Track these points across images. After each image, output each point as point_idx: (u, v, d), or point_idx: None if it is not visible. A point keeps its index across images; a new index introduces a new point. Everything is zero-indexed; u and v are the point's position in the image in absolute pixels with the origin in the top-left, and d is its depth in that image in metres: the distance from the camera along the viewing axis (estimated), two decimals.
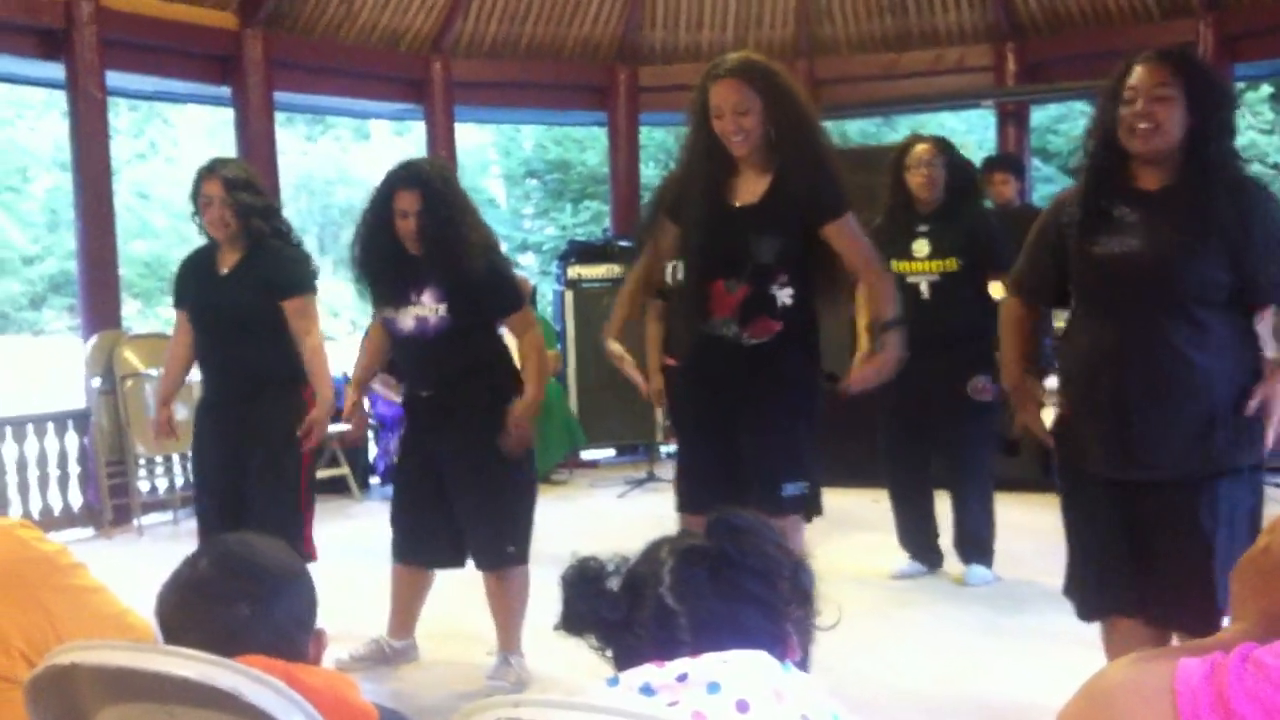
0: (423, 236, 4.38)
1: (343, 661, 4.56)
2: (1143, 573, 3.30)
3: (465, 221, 4.44)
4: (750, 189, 3.98)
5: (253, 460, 4.77)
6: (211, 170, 4.79)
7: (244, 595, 1.85)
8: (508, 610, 4.55)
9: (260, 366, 4.74)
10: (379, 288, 4.58)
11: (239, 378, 4.76)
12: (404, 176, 4.44)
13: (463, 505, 4.52)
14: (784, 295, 3.95)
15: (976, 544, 5.72)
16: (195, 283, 4.88)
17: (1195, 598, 3.16)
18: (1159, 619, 3.30)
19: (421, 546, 4.63)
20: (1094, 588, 3.39)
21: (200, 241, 4.96)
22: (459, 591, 4.90)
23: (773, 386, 3.96)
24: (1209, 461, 3.22)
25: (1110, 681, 1.02)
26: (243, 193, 4.74)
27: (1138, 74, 3.28)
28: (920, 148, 5.60)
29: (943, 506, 5.85)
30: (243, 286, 4.73)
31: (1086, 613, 3.45)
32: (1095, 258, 3.30)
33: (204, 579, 1.87)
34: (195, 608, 1.85)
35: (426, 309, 4.44)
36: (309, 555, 4.84)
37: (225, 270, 4.79)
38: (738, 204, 3.97)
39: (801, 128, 3.96)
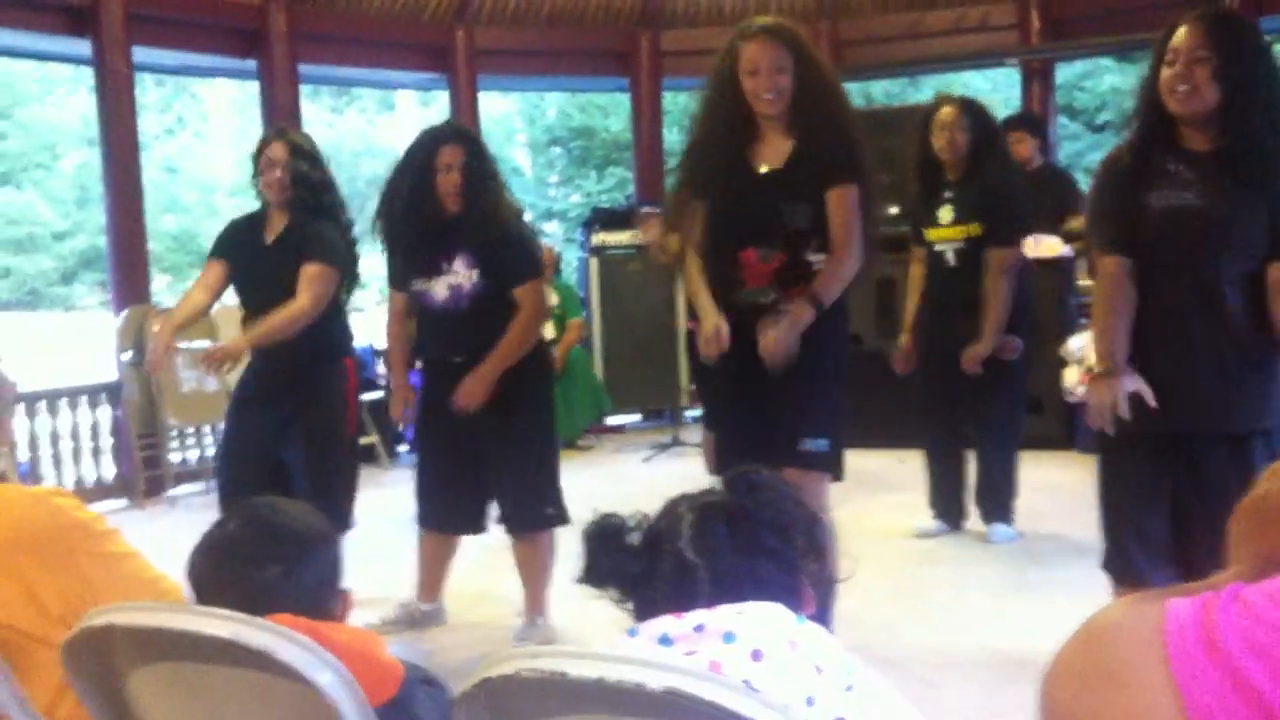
0: (466, 191, 4.41)
1: (374, 626, 4.63)
2: (1186, 533, 3.30)
3: (496, 188, 4.52)
4: (774, 153, 3.95)
5: (297, 430, 4.79)
6: (281, 134, 4.90)
7: (273, 557, 1.90)
8: (536, 574, 4.61)
9: (300, 336, 4.72)
10: (409, 258, 4.59)
11: (278, 346, 4.76)
12: (447, 132, 4.55)
13: (502, 471, 4.56)
14: (818, 260, 3.92)
15: (999, 502, 5.76)
16: (239, 246, 4.90)
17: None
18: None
19: (450, 515, 4.69)
20: (1136, 555, 3.37)
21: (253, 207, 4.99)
22: (485, 556, 4.96)
23: (807, 349, 3.89)
24: (1258, 415, 3.28)
25: (1103, 623, 1.03)
26: (303, 161, 4.80)
27: (1179, 35, 3.28)
28: (945, 110, 5.59)
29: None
30: (284, 255, 4.75)
31: (1128, 579, 3.40)
32: (1153, 210, 3.31)
33: (234, 541, 1.92)
34: (226, 569, 1.90)
35: (460, 276, 4.47)
36: (349, 522, 4.92)
37: (270, 239, 4.83)
38: (764, 169, 3.94)
39: (828, 91, 3.95)
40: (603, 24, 9.88)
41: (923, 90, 16.97)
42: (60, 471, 7.33)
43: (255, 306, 4.83)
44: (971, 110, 5.63)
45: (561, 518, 4.61)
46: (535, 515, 4.57)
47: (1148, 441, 3.34)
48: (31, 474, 7.04)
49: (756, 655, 1.51)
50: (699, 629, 1.55)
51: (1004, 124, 7.93)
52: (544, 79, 11.52)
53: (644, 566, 1.68)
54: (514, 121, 21.66)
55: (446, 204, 4.47)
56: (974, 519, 5.84)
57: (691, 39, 9.88)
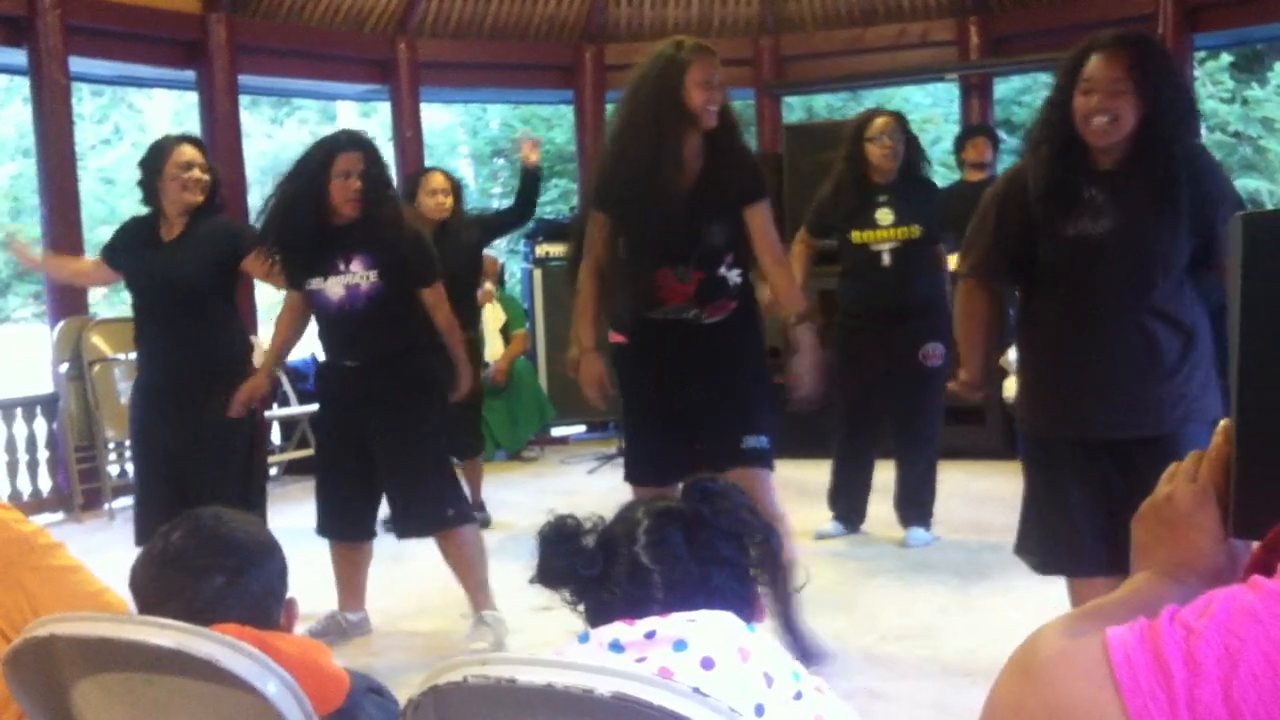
0: (365, 197, 4.41)
1: None
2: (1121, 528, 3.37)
3: (393, 193, 4.63)
4: (687, 172, 4.01)
5: (205, 442, 4.77)
6: (184, 137, 4.88)
7: (218, 567, 1.89)
8: (468, 570, 4.61)
9: (205, 348, 4.82)
10: (301, 258, 4.54)
11: (184, 360, 4.80)
12: (345, 140, 4.52)
13: (397, 478, 4.57)
14: (733, 275, 4.06)
15: (918, 506, 5.90)
16: (132, 248, 4.89)
17: None
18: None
19: (354, 522, 4.70)
20: (1065, 547, 3.47)
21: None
22: (427, 563, 4.95)
23: (728, 355, 4.06)
24: (1184, 414, 3.35)
25: (1040, 659, 1.01)
26: (211, 160, 4.86)
27: (1095, 64, 3.31)
28: (881, 119, 5.73)
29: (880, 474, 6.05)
30: (188, 254, 4.75)
31: (1049, 568, 3.56)
32: (1069, 238, 3.35)
33: (178, 551, 1.91)
34: (170, 580, 1.89)
35: (357, 276, 4.47)
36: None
37: (169, 238, 4.78)
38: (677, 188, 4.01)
39: (732, 113, 4.10)
40: (547, 37, 9.88)
41: (863, 104, 17.09)
42: None
43: (150, 306, 4.83)
44: (904, 122, 5.85)
45: (461, 518, 4.60)
46: (436, 517, 4.56)
47: (1076, 444, 3.42)
48: None
49: (707, 663, 1.52)
50: (650, 636, 1.56)
51: (966, 131, 8.23)
52: (487, 91, 11.51)
53: (599, 570, 1.68)
54: (457, 133, 21.60)
55: (342, 209, 4.44)
56: (880, 523, 5.96)
57: (636, 53, 9.72)
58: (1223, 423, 1.19)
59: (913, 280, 5.67)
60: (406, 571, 5.06)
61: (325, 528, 4.73)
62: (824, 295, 7.08)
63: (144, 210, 4.95)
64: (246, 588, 1.91)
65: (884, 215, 5.70)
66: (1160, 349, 3.34)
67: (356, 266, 4.47)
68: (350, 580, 4.78)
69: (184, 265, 4.70)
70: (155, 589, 1.90)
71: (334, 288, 4.49)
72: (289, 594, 2.01)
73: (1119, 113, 3.25)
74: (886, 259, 5.70)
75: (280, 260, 4.57)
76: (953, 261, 5.40)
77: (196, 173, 4.73)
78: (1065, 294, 3.41)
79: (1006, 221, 3.47)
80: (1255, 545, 1.15)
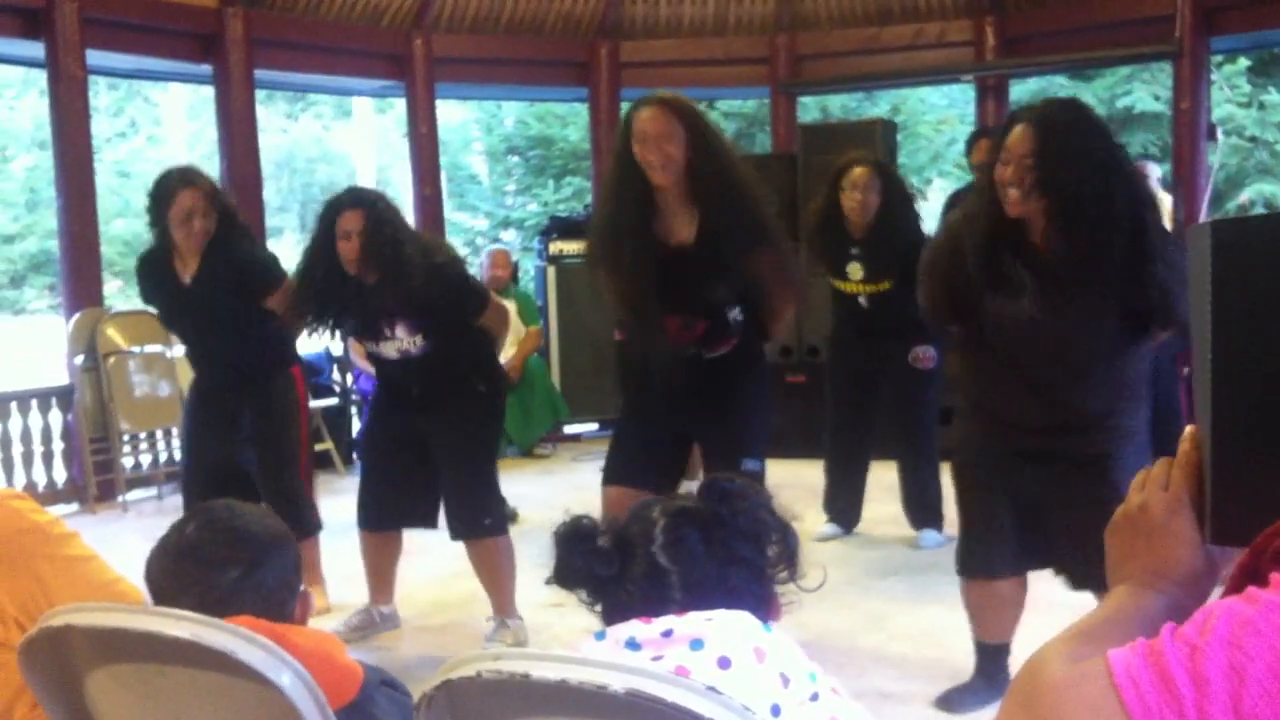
0: (366, 256, 4.36)
1: (339, 633, 4.62)
2: (1058, 536, 3.57)
3: (409, 240, 4.48)
4: (681, 226, 4.01)
5: (253, 440, 4.98)
6: (186, 180, 4.83)
7: (232, 560, 1.90)
8: (495, 578, 4.63)
9: (247, 349, 4.95)
10: (346, 323, 4.60)
11: (227, 361, 4.92)
12: (346, 199, 4.48)
13: (448, 479, 4.60)
14: (735, 314, 4.09)
15: (927, 508, 5.92)
16: (159, 289, 4.98)
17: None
18: (1077, 578, 3.56)
19: (395, 512, 4.72)
20: (1004, 544, 3.65)
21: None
22: (446, 560, 4.98)
23: (728, 383, 4.13)
24: (1110, 443, 3.48)
25: (1042, 685, 1.01)
26: (219, 199, 4.88)
27: (1014, 136, 3.34)
28: (857, 171, 5.66)
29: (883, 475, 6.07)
30: (208, 292, 4.86)
31: (987, 571, 3.72)
32: (993, 316, 3.46)
33: (193, 544, 1.92)
34: (186, 572, 1.89)
35: (405, 342, 4.50)
36: (317, 523, 5.11)
37: (188, 278, 4.86)
38: (674, 243, 4.00)
39: (724, 161, 4.01)
40: (562, 34, 9.88)
41: (879, 104, 17.07)
42: (10, 476, 7.24)
43: (186, 337, 5.04)
44: (883, 171, 5.75)
45: (497, 527, 4.64)
46: (476, 524, 4.61)
47: (998, 454, 3.58)
48: None
49: (723, 663, 1.52)
50: (667, 634, 1.56)
51: (977, 133, 8.13)
52: (502, 88, 11.50)
53: (615, 570, 1.68)
54: (471, 130, 21.59)
55: (348, 268, 4.42)
56: (888, 524, 5.95)
57: (651, 50, 9.91)
58: (1189, 429, 1.19)
59: (895, 314, 5.65)
60: (426, 565, 5.10)
61: (373, 519, 4.74)
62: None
63: (151, 245, 5.01)
64: (261, 580, 1.91)
65: (854, 270, 5.73)
66: (1093, 401, 3.46)
67: (402, 333, 4.49)
68: (380, 572, 4.80)
69: (206, 308, 4.81)
70: (170, 581, 1.91)
71: (388, 350, 4.54)
72: (302, 587, 2.02)
73: (1027, 188, 3.29)
74: (864, 303, 5.79)
75: (331, 326, 4.63)
76: None
77: (196, 222, 4.74)
78: (999, 351, 3.53)
79: (950, 282, 3.58)
80: (1235, 551, 1.15)
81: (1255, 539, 1.06)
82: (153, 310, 5.18)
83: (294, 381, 4.99)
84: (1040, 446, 3.51)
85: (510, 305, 8.13)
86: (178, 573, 1.91)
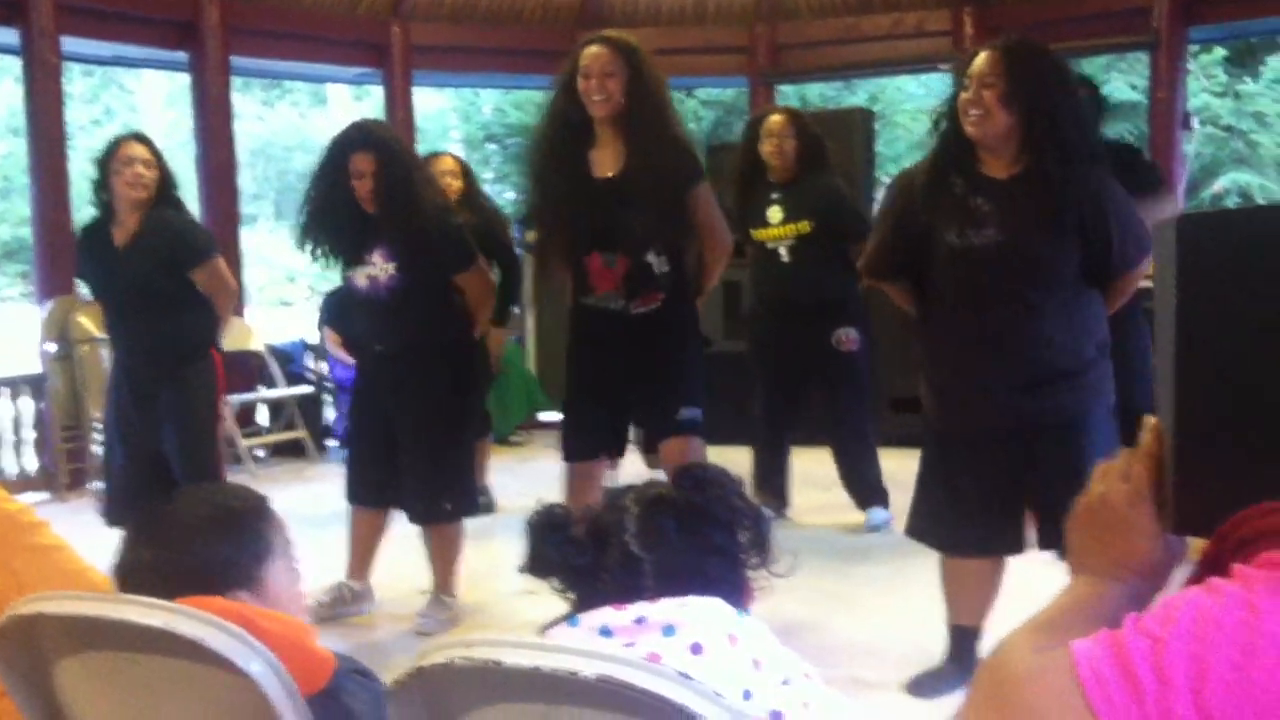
0: (379, 196, 4.47)
1: (309, 610, 4.63)
2: (1028, 510, 3.63)
3: (417, 180, 4.58)
4: (608, 160, 4.21)
5: (170, 422, 4.90)
6: (135, 134, 4.90)
7: (168, 540, 1.89)
8: (444, 558, 4.76)
9: (167, 331, 4.89)
10: (336, 247, 4.66)
11: (146, 342, 4.88)
12: (357, 139, 4.54)
13: (407, 461, 4.67)
14: (660, 264, 4.24)
15: (869, 487, 5.98)
16: (94, 258, 4.95)
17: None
18: (1051, 543, 3.58)
19: (377, 489, 4.76)
20: (952, 529, 3.71)
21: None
22: (419, 547, 4.97)
23: (661, 343, 4.30)
24: (1078, 404, 3.51)
25: (1008, 676, 1.01)
26: (160, 157, 4.86)
27: (977, 62, 3.43)
28: (773, 119, 5.81)
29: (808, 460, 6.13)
30: (144, 255, 4.84)
31: (963, 549, 3.75)
32: (954, 249, 3.48)
33: (143, 522, 1.92)
34: (130, 549, 1.89)
35: (377, 268, 4.55)
36: None
37: (122, 240, 4.84)
38: (598, 176, 4.20)
39: (659, 102, 4.23)
40: (540, 22, 9.86)
41: (858, 94, 17.10)
42: None
43: (115, 307, 4.92)
44: (797, 120, 5.85)
45: (457, 514, 4.71)
46: (435, 510, 4.68)
47: (973, 435, 3.60)
48: None
49: (696, 648, 1.52)
50: (640, 621, 1.56)
51: None
52: (480, 76, 11.48)
53: (589, 559, 1.68)
54: (449, 118, 21.57)
55: (364, 205, 4.54)
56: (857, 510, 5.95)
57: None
58: (1150, 420, 1.20)
59: (814, 276, 5.73)
60: (404, 550, 5.10)
61: (358, 494, 4.81)
62: (729, 287, 7.14)
63: (93, 216, 5.00)
64: (198, 559, 1.89)
65: (774, 213, 5.77)
66: (1054, 350, 3.46)
67: (377, 258, 4.55)
68: (362, 548, 4.84)
69: (138, 270, 4.77)
70: (125, 558, 1.90)
71: (359, 278, 4.60)
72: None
73: (987, 105, 3.37)
74: (785, 255, 5.78)
75: (327, 254, 4.70)
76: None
77: (139, 168, 4.75)
78: (955, 299, 3.54)
79: (900, 224, 3.61)
80: (1195, 542, 1.15)
81: (1217, 529, 1.07)
82: (85, 286, 5.11)
83: (212, 366, 4.96)
84: (1006, 415, 3.52)
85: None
86: (128, 547, 1.90)
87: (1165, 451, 1.16)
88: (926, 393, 3.76)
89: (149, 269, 4.75)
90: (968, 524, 3.67)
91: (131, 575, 1.87)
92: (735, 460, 6.19)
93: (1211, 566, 1.04)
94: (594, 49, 4.16)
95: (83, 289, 8.35)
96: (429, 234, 4.54)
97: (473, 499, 4.84)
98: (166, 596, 1.74)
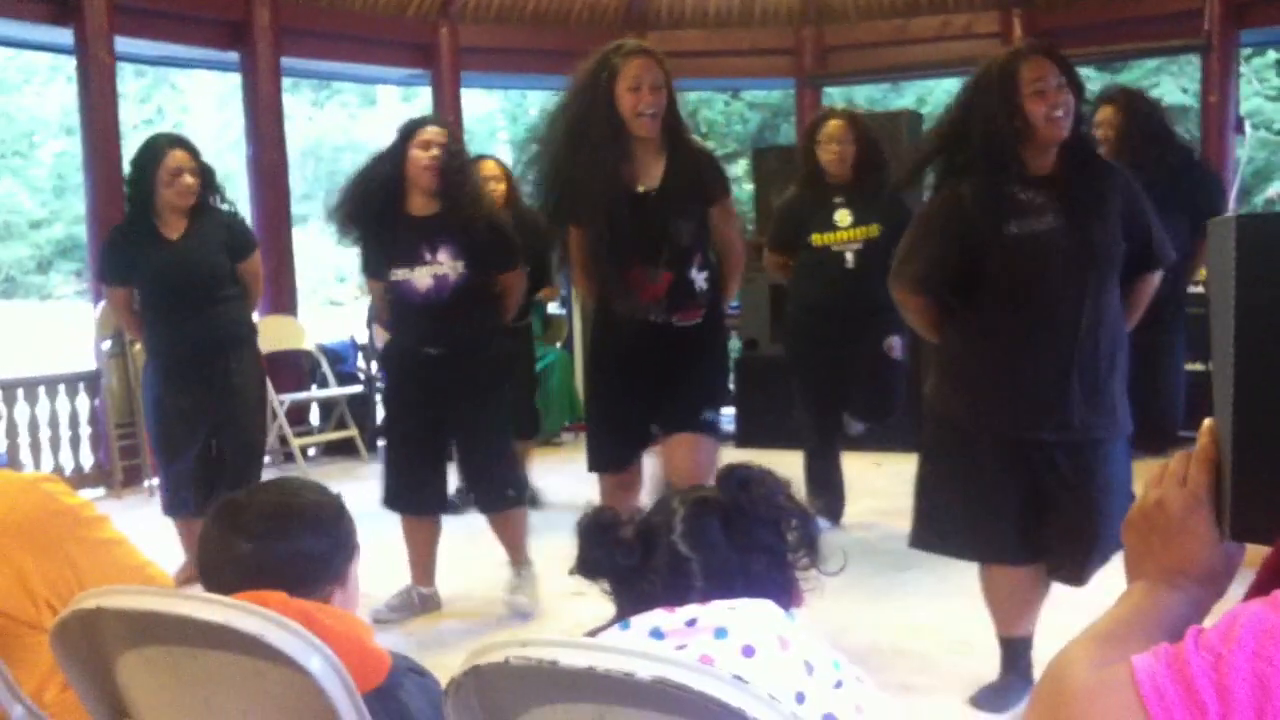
0: (443, 172, 4.48)
1: (379, 612, 4.75)
2: (1047, 524, 3.61)
3: (475, 176, 4.72)
4: (648, 173, 4.13)
5: (217, 415, 5.03)
6: (176, 141, 4.99)
7: (275, 533, 1.91)
8: (513, 538, 4.88)
9: (214, 324, 5.04)
10: (383, 248, 4.62)
11: (191, 337, 5.00)
12: (430, 118, 4.72)
13: (468, 457, 4.81)
14: (700, 279, 4.21)
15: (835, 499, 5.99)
16: (137, 259, 4.99)
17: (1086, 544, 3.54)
18: (1058, 565, 3.64)
19: (419, 498, 4.81)
20: (990, 536, 3.68)
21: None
22: (469, 548, 5.05)
23: (696, 351, 4.30)
24: (1114, 425, 3.58)
25: (1068, 691, 1.01)
26: (202, 162, 4.96)
27: (1037, 67, 3.48)
28: (833, 124, 5.71)
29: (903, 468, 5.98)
30: (199, 250, 5.00)
31: (986, 556, 3.76)
32: (1015, 237, 3.49)
33: (239, 514, 1.95)
34: (229, 542, 1.92)
35: (445, 267, 4.53)
36: None
37: (175, 236, 4.94)
38: (641, 189, 4.11)
39: (680, 113, 4.22)
40: (588, 24, 9.88)
41: (906, 96, 17.02)
42: (38, 460, 7.30)
43: (168, 300, 4.94)
44: (857, 124, 5.76)
45: (520, 500, 4.85)
46: (500, 497, 4.79)
47: (999, 438, 3.60)
48: (10, 463, 7.01)
49: (748, 651, 1.53)
50: (691, 624, 1.56)
51: None
52: (527, 77, 11.50)
53: (637, 560, 1.69)
54: (497, 119, 21.65)
55: (419, 180, 4.51)
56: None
57: (676, 40, 9.88)
58: (1206, 423, 1.18)
59: (875, 281, 5.62)
60: (460, 549, 5.16)
61: (397, 501, 4.84)
62: (776, 290, 7.10)
63: (127, 216, 5.07)
64: (285, 554, 1.92)
65: (843, 216, 5.69)
66: (1096, 355, 3.51)
67: (444, 257, 4.54)
68: (421, 555, 4.90)
69: (201, 257, 4.89)
70: (213, 549, 1.93)
71: (422, 278, 4.56)
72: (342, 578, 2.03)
73: (1070, 107, 3.48)
74: (850, 261, 5.68)
75: (361, 247, 4.70)
76: None
77: (187, 178, 4.84)
78: (1009, 296, 3.54)
79: (947, 237, 3.61)
80: (1253, 549, 1.14)
81: (1277, 536, 1.05)
82: (121, 286, 5.10)
83: (259, 357, 5.18)
84: (1047, 430, 3.53)
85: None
86: (222, 543, 1.93)
87: (1223, 456, 1.14)
88: (949, 392, 3.73)
89: (212, 256, 4.89)
90: (1011, 528, 3.65)
91: (229, 568, 1.89)
92: (779, 463, 6.23)
93: (1275, 576, 1.02)
94: (642, 59, 4.06)
95: None
96: (490, 229, 4.59)
97: (526, 483, 5.06)
98: (265, 589, 1.77)
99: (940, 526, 3.79)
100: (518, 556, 4.89)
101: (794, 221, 5.82)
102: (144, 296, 5.01)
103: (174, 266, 4.89)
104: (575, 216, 4.23)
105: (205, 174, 4.92)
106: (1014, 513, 3.62)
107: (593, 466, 4.48)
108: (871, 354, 5.75)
